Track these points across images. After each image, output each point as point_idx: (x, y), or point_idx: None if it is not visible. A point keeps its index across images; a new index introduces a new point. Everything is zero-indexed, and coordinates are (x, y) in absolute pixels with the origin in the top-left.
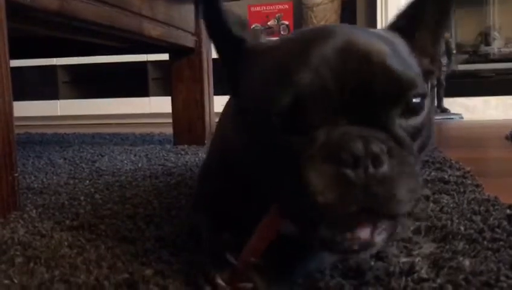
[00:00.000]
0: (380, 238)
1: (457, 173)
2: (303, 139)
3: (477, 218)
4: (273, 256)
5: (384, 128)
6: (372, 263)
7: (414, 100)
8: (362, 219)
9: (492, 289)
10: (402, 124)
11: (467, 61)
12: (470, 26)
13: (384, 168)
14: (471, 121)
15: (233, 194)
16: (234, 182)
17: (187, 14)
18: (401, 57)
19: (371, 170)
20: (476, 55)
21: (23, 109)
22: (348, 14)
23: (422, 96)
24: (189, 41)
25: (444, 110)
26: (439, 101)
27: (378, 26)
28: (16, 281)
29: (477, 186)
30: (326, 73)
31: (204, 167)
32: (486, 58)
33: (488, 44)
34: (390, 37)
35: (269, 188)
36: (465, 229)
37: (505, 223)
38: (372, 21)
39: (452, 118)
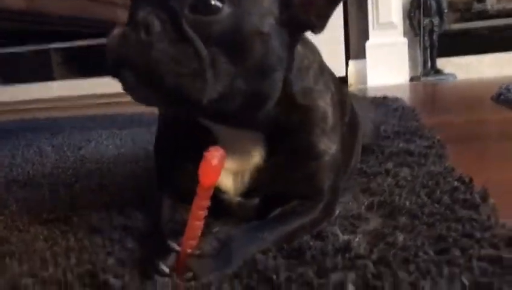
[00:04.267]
0: None
1: (425, 144)
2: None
3: (424, 192)
4: (212, 242)
5: (173, 18)
6: (311, 243)
7: None
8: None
9: (409, 265)
10: (195, 19)
11: (459, 20)
12: None
13: (153, 37)
14: (463, 81)
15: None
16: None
17: None
18: None
19: (142, 34)
20: (469, 13)
21: (18, 92)
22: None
23: None
24: None
25: (438, 71)
26: (433, 62)
27: (370, 22)
28: None
29: (440, 156)
30: None
31: (155, 144)
32: (479, 16)
33: (480, 1)
34: None
35: None
36: (410, 204)
37: (445, 197)
38: (363, 17)
39: (444, 79)
